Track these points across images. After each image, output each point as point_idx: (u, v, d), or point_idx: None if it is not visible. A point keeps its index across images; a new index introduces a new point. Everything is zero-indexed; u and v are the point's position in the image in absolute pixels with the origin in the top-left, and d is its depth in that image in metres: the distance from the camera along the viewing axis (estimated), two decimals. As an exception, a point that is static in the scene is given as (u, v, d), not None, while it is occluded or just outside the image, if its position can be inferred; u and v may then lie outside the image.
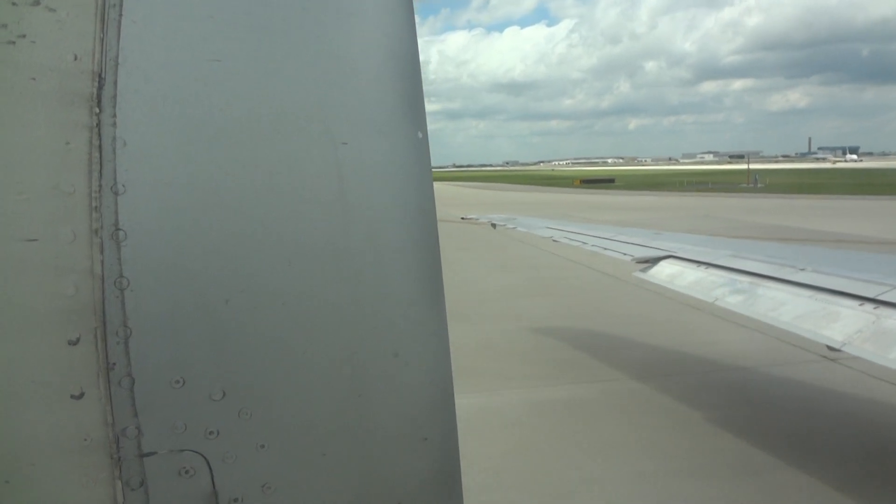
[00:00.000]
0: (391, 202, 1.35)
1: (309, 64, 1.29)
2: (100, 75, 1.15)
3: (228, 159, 1.23)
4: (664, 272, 7.12)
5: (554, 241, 10.14)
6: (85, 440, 1.17)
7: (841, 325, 4.57)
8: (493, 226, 12.68)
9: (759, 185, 67.16)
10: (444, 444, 1.42)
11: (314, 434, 1.30)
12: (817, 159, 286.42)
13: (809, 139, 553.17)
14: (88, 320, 1.15)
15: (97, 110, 1.15)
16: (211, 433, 1.23)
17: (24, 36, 1.11)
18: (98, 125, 1.15)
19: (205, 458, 1.23)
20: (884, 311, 4.46)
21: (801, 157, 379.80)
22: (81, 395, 1.16)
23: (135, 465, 1.20)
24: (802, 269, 5.64)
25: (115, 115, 1.16)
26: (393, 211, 1.36)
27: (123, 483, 1.19)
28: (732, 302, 5.80)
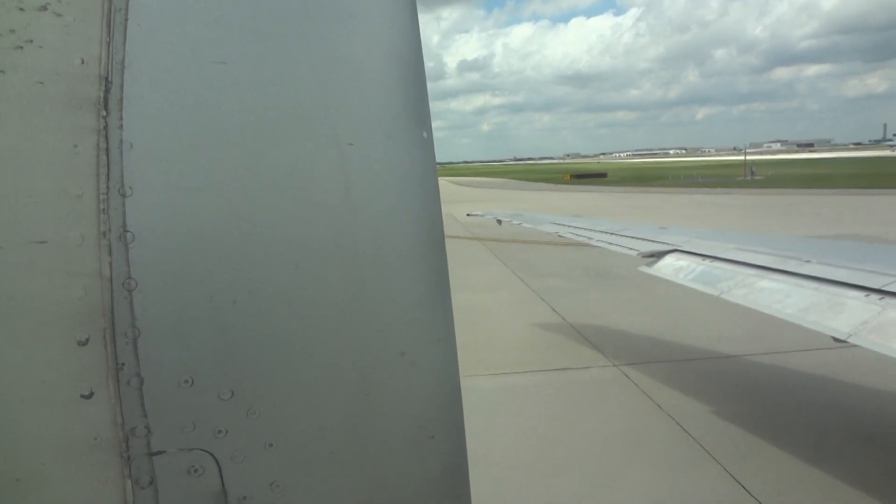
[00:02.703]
0: (397, 202, 1.36)
1: (313, 66, 1.29)
2: (106, 79, 1.16)
3: (234, 161, 1.23)
4: (670, 266, 7.10)
5: (560, 236, 10.12)
6: (95, 439, 1.18)
7: (847, 317, 4.55)
8: (499, 222, 12.66)
9: (755, 178, 66.37)
10: (451, 442, 1.42)
11: (322, 433, 1.31)
12: (890, 147, 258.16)
13: (884, 125, 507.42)
14: (97, 321, 1.16)
15: (104, 113, 1.16)
16: (219, 432, 1.24)
17: (31, 41, 1.12)
18: (105, 128, 1.16)
19: (213, 457, 1.24)
20: (890, 302, 4.44)
21: (874, 144, 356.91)
22: (91, 395, 1.17)
23: (144, 464, 1.21)
24: (808, 261, 5.62)
25: (121, 118, 1.16)
26: (399, 211, 1.36)
27: (133, 482, 1.20)
28: (738, 295, 5.78)
